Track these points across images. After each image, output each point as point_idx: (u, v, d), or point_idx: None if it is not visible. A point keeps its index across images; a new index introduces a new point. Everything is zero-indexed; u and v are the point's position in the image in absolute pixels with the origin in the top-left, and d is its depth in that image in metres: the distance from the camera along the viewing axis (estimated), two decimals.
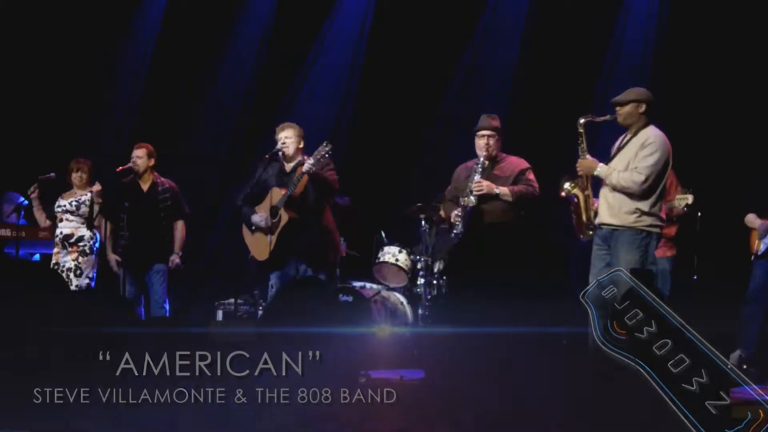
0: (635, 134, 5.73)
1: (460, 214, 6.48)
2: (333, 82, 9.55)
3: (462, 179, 6.64)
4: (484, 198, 6.44)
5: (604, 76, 8.59)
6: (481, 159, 6.52)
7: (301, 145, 6.69)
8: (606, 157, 5.87)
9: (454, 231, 6.51)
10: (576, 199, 5.92)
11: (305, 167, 6.40)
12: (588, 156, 5.84)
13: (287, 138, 6.65)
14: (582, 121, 5.87)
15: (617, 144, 5.88)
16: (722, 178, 7.60)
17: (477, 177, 6.47)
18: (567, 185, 5.95)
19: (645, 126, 5.73)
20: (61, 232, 7.26)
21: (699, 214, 7.10)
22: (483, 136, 6.55)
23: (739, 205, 6.96)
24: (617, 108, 5.75)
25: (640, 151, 5.63)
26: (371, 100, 9.30)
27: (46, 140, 9.02)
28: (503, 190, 6.43)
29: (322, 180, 6.48)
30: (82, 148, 9.19)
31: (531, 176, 6.56)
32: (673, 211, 6.73)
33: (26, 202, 7.68)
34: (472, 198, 6.43)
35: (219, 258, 9.09)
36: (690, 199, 6.67)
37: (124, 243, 7.07)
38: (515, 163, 6.62)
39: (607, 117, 5.84)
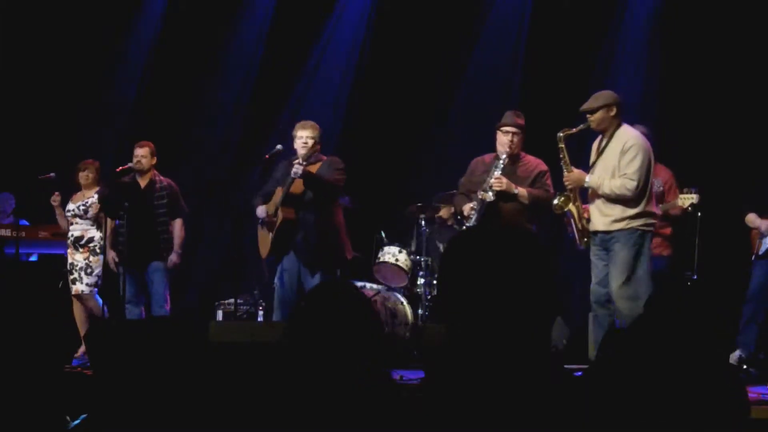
0: (611, 137, 5.84)
1: (475, 207, 6.35)
2: (333, 81, 9.54)
3: (479, 173, 6.51)
4: (501, 195, 6.32)
5: (602, 77, 8.58)
6: (504, 156, 6.37)
7: (319, 146, 6.70)
8: (586, 163, 5.94)
9: (466, 224, 6.40)
10: (570, 213, 5.98)
11: (293, 171, 6.39)
12: (573, 168, 5.92)
13: (309, 138, 6.62)
14: (561, 135, 5.93)
15: (595, 148, 5.98)
16: (723, 177, 7.59)
17: (498, 173, 6.33)
18: (556, 202, 6.02)
19: (618, 127, 5.84)
20: (72, 235, 7.39)
21: (699, 214, 7.10)
22: (507, 132, 6.40)
23: (740, 204, 6.94)
24: (588, 115, 5.82)
25: (623, 157, 5.74)
26: (371, 100, 9.29)
27: (46, 140, 9.02)
28: (521, 191, 6.32)
29: (315, 182, 6.45)
30: (82, 148, 9.19)
31: (548, 181, 6.48)
32: (673, 210, 6.73)
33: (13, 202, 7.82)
34: (490, 193, 6.29)
35: (219, 257, 9.08)
36: (696, 198, 6.66)
37: (123, 240, 7.09)
38: (535, 164, 6.52)
39: (581, 126, 5.93)
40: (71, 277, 7.35)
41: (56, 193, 7.46)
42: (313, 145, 6.62)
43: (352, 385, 2.05)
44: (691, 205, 6.66)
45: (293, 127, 6.79)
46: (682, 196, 6.70)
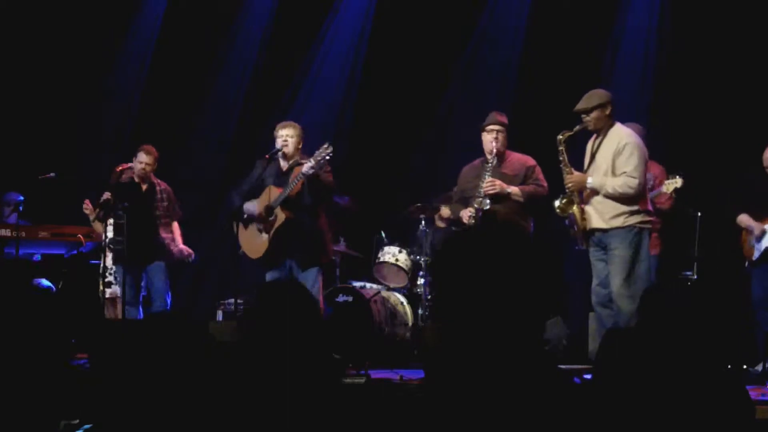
0: (605, 136, 5.87)
1: (473, 215, 6.41)
2: (333, 81, 9.54)
3: (471, 177, 6.58)
4: (496, 198, 6.38)
5: (604, 76, 8.57)
6: (492, 157, 6.45)
7: (300, 145, 6.66)
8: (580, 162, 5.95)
9: None
10: (573, 216, 5.98)
11: (304, 169, 6.31)
12: (574, 171, 5.94)
13: (289, 137, 6.59)
14: (560, 137, 5.96)
15: (588, 148, 5.99)
16: (724, 177, 7.58)
17: (488, 176, 6.40)
18: (558, 204, 5.99)
19: (611, 126, 5.88)
20: (108, 237, 7.35)
21: (699, 213, 7.09)
22: (492, 131, 6.50)
23: (739, 204, 6.92)
24: (583, 116, 5.85)
25: (619, 157, 5.78)
26: (371, 100, 9.29)
27: (46, 140, 9.01)
28: (514, 190, 6.39)
29: (319, 182, 6.42)
30: (82, 148, 9.20)
31: (540, 175, 6.54)
32: (660, 198, 6.72)
33: (21, 198, 7.78)
34: (486, 200, 6.36)
35: (218, 258, 9.08)
36: (679, 182, 6.65)
37: (122, 240, 7.09)
38: (522, 160, 6.60)
39: (578, 128, 5.95)
40: (107, 279, 7.41)
41: (86, 201, 7.44)
42: (297, 143, 6.60)
43: (304, 382, 2.06)
44: (675, 189, 6.66)
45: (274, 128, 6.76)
46: (666, 182, 6.70)
